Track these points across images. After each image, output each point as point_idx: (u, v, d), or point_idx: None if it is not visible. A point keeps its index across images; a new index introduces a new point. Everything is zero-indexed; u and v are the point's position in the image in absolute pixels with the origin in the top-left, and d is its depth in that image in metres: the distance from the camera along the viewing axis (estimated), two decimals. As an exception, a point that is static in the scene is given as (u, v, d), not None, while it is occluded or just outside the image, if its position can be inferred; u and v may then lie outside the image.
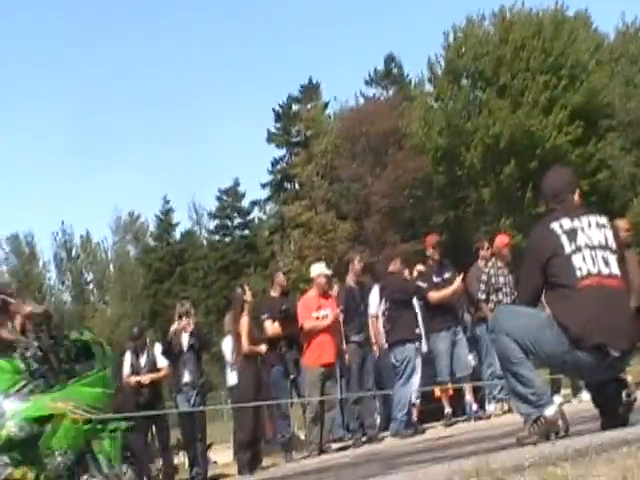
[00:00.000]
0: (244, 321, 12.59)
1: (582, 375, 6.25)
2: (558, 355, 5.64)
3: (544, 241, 5.89)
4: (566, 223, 5.85)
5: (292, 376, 13.23)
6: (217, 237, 66.81)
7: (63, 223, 67.10)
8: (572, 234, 5.80)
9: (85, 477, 5.75)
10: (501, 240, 14.09)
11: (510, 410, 12.11)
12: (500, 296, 13.11)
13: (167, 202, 65.46)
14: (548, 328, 5.62)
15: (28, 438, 5.44)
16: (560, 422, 5.60)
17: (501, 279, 13.25)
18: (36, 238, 67.56)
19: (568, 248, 5.75)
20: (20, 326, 11.61)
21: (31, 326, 6.08)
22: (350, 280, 13.77)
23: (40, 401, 5.58)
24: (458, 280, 13.20)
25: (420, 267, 13.59)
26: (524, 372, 5.65)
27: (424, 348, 13.10)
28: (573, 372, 6.45)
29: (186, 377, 13.48)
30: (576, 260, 5.71)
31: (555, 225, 5.86)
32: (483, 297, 13.26)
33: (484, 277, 13.33)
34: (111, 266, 66.88)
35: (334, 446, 13.05)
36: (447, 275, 13.26)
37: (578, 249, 5.74)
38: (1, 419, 5.38)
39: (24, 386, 5.63)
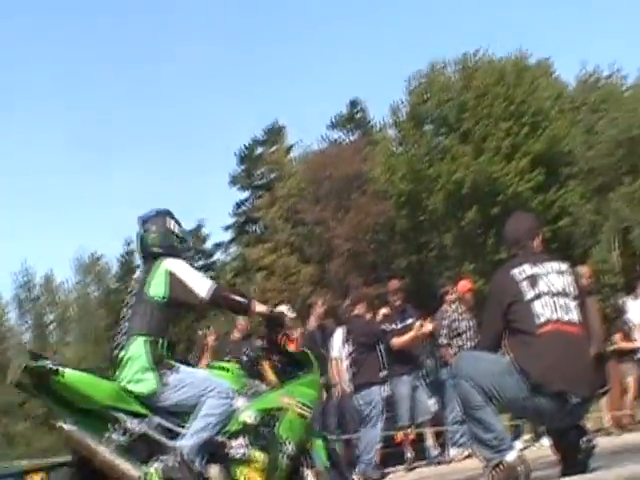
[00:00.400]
0: (202, 365, 12.54)
1: (542, 421, 6.28)
2: (519, 401, 5.66)
3: (505, 287, 5.93)
4: (527, 269, 5.90)
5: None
6: (180, 279, 66.47)
7: (25, 262, 66.54)
8: (533, 280, 5.84)
9: (307, 471, 6.44)
10: (464, 285, 14.19)
11: (471, 455, 12.11)
12: (462, 341, 13.17)
13: (129, 243, 65.19)
14: (509, 374, 5.65)
15: (261, 425, 6.20)
16: (521, 468, 5.62)
17: (463, 324, 13.31)
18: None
19: (529, 294, 5.80)
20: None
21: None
22: (312, 323, 13.77)
23: (269, 396, 6.38)
24: (427, 326, 13.22)
25: (385, 310, 13.62)
26: (485, 417, 5.68)
27: (385, 392, 13.09)
28: (534, 418, 6.48)
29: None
30: (537, 306, 5.75)
31: (516, 271, 5.91)
32: (445, 342, 13.32)
33: (446, 322, 13.39)
34: (73, 307, 66.33)
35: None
36: (409, 321, 13.29)
37: (539, 295, 5.79)
38: (236, 412, 6.13)
39: (249, 388, 6.42)
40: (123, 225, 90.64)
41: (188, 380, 6.07)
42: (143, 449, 5.78)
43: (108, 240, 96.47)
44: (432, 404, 13.70)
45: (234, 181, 66.03)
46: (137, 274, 6.53)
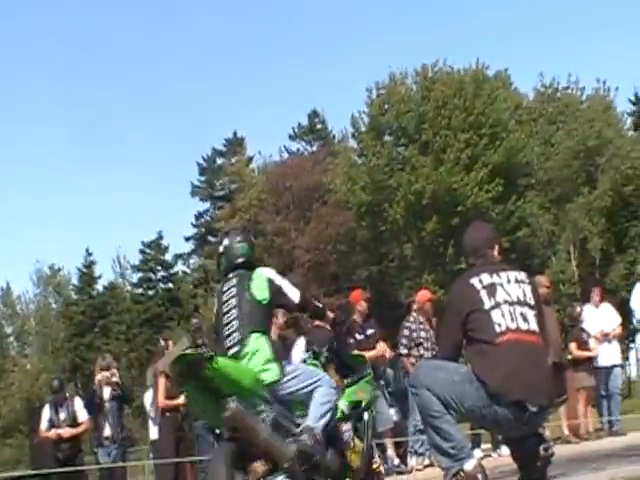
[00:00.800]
0: (162, 376, 12.50)
1: (501, 430, 6.31)
2: (477, 410, 5.68)
3: (464, 296, 5.95)
4: (486, 278, 5.92)
5: (218, 431, 13.11)
6: (140, 290, 66.16)
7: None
8: (491, 289, 5.87)
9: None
10: (423, 295, 14.19)
11: (432, 464, 12.16)
12: (421, 351, 13.20)
13: (89, 254, 64.80)
14: (468, 383, 5.68)
15: (352, 416, 6.93)
16: (479, 476, 5.64)
17: (422, 334, 13.34)
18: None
19: (487, 303, 5.82)
20: None
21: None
22: (272, 334, 13.73)
23: (350, 390, 7.07)
24: (383, 347, 13.20)
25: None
26: (444, 426, 5.70)
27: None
28: (492, 426, 6.52)
29: (107, 431, 13.35)
30: (495, 315, 5.77)
31: (475, 280, 5.93)
32: (405, 351, 13.35)
33: (406, 332, 13.42)
34: (32, 319, 65.77)
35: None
36: (370, 332, 13.26)
37: (497, 304, 5.81)
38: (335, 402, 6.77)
39: None
40: (81, 236, 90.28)
41: (300, 370, 6.71)
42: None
43: (65, 252, 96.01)
44: (393, 414, 13.72)
45: (195, 192, 65.91)
46: (232, 281, 6.98)
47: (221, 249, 7.24)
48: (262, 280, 6.88)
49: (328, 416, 6.53)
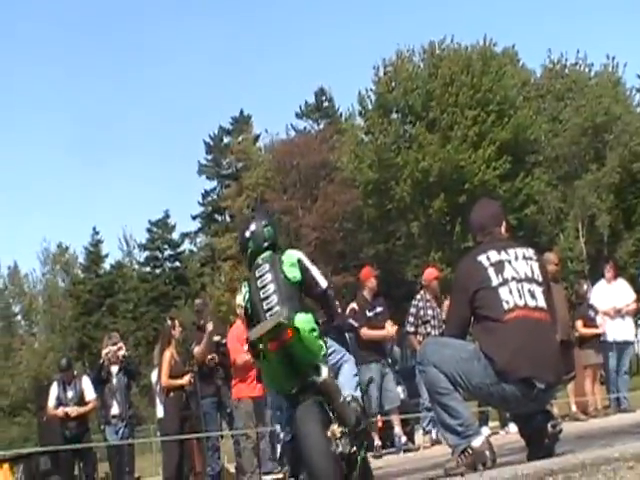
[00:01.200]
0: (166, 355, 12.52)
1: (508, 407, 6.29)
2: (485, 387, 5.66)
3: (471, 273, 5.92)
4: (493, 256, 5.89)
5: (229, 409, 13.14)
6: (147, 269, 66.30)
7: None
8: (499, 266, 5.83)
9: None
10: (430, 273, 14.19)
11: (439, 441, 12.16)
12: (428, 328, 13.19)
13: (96, 233, 64.94)
14: (475, 360, 5.66)
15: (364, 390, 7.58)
16: (487, 453, 5.62)
17: (429, 312, 13.33)
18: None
19: (495, 280, 5.79)
20: None
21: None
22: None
23: None
24: (392, 328, 13.19)
25: (353, 305, 13.50)
26: (452, 403, 5.68)
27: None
28: (500, 404, 6.50)
29: (115, 409, 13.39)
30: (503, 292, 5.74)
31: (482, 257, 5.89)
32: (412, 329, 13.34)
33: (413, 310, 13.40)
34: (39, 298, 66.01)
35: (266, 478, 12.94)
36: (379, 309, 13.25)
37: (505, 281, 5.78)
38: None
39: None
40: (88, 215, 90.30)
41: (333, 347, 6.93)
42: None
43: (72, 230, 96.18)
44: (400, 392, 13.73)
45: (202, 170, 65.89)
46: (264, 267, 6.96)
47: (248, 234, 7.19)
48: (295, 262, 6.97)
49: (358, 387, 6.86)
